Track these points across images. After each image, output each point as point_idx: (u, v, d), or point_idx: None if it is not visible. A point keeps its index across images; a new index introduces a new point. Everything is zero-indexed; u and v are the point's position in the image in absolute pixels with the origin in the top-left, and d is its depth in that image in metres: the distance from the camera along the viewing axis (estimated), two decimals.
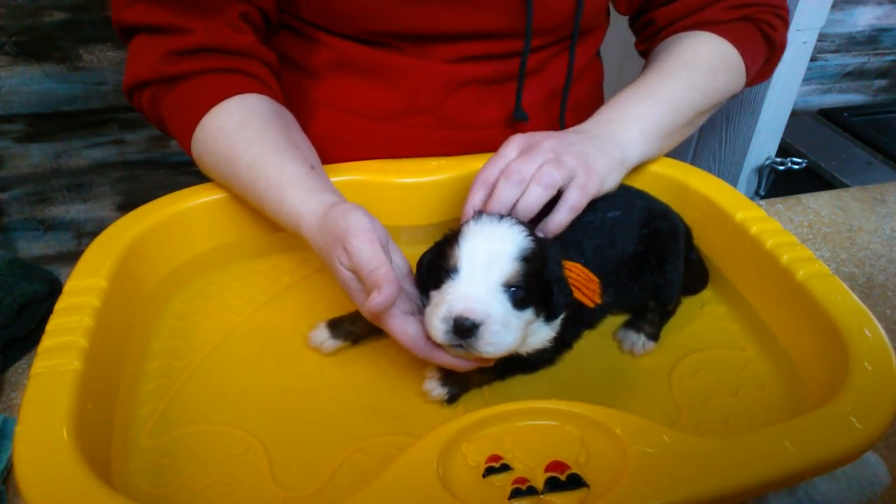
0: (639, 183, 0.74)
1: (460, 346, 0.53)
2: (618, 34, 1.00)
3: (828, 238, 0.94)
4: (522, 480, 0.47)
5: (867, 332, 0.57)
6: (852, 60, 2.28)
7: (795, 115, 2.19)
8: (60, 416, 0.47)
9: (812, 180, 1.96)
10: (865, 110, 2.28)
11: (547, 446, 0.50)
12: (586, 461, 0.49)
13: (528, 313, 0.56)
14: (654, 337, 0.67)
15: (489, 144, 0.82)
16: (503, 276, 0.54)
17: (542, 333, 0.59)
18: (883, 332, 0.57)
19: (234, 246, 0.75)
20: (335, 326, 0.65)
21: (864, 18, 2.18)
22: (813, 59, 2.18)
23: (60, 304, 0.56)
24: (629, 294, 0.67)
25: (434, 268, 0.57)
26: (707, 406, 0.61)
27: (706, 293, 0.75)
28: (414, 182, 0.76)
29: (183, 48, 0.68)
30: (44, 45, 1.50)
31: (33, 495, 0.43)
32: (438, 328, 0.53)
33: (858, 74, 2.32)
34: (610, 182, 0.68)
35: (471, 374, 0.61)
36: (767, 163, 1.60)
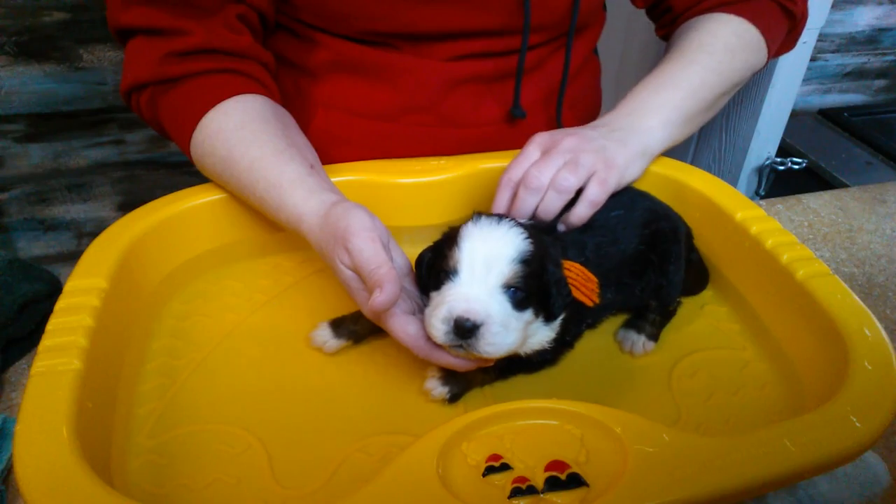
0: (639, 183, 0.74)
1: (460, 346, 0.53)
2: (617, 32, 1.00)
3: (828, 238, 0.94)
4: (522, 479, 0.47)
5: (867, 332, 0.57)
6: (852, 60, 2.28)
7: (795, 115, 2.19)
8: (60, 416, 0.47)
9: (812, 180, 1.96)
10: (865, 110, 2.28)
11: (547, 445, 0.50)
12: (586, 460, 0.49)
13: (528, 314, 0.56)
14: (655, 337, 0.67)
15: (488, 142, 0.82)
16: (502, 278, 0.54)
17: (542, 334, 0.59)
18: (883, 332, 0.57)
19: (235, 246, 0.75)
20: (337, 326, 0.65)
21: (864, 18, 2.18)
22: (813, 59, 2.19)
23: (60, 304, 0.56)
24: (631, 293, 0.67)
25: (434, 269, 0.57)
26: (707, 406, 0.61)
27: (706, 293, 0.75)
28: (415, 182, 0.76)
29: (180, 50, 0.68)
30: (44, 45, 1.50)
31: (33, 495, 0.43)
32: (439, 329, 0.53)
33: (858, 74, 2.32)
34: (632, 173, 0.70)
35: (472, 374, 0.61)
36: (767, 163, 1.60)
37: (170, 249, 0.69)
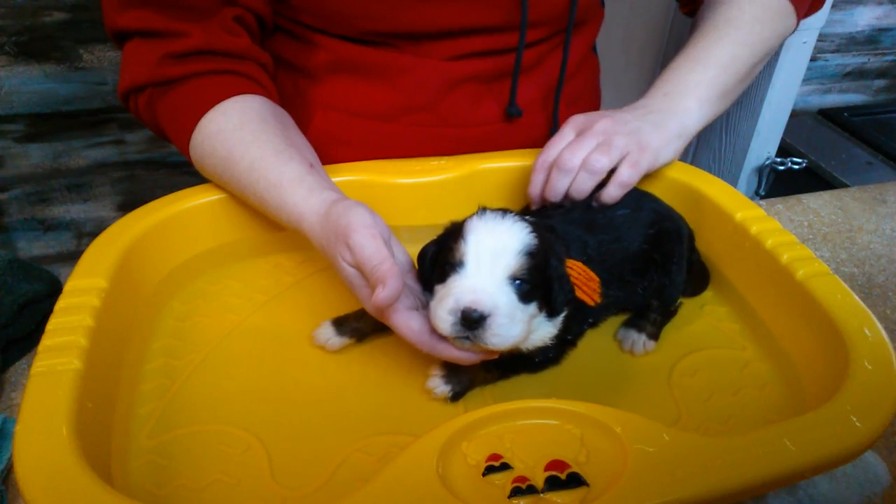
0: (638, 183, 0.74)
1: (466, 338, 0.53)
2: (616, 31, 1.00)
3: (828, 238, 0.94)
4: (522, 479, 0.47)
5: (867, 332, 0.57)
6: (852, 60, 2.28)
7: (795, 115, 2.19)
8: (60, 416, 0.47)
9: (812, 180, 1.96)
10: (865, 110, 2.28)
11: (547, 445, 0.50)
12: (586, 460, 0.49)
13: (532, 307, 0.56)
14: (655, 337, 0.67)
15: (488, 142, 0.82)
16: (509, 270, 0.54)
17: (545, 330, 0.59)
18: (883, 331, 0.57)
19: (235, 246, 0.75)
20: (340, 324, 0.65)
21: (864, 18, 2.19)
22: (813, 59, 2.19)
23: (60, 304, 0.56)
24: (633, 292, 0.67)
25: (439, 262, 0.57)
26: (707, 406, 0.61)
27: (706, 293, 0.75)
28: (414, 182, 0.76)
29: (178, 51, 0.68)
30: (44, 45, 1.50)
31: (33, 495, 0.43)
32: (445, 320, 0.53)
33: (858, 74, 2.32)
34: (666, 154, 0.72)
35: (474, 373, 0.61)
36: (767, 163, 1.60)
37: (170, 249, 0.69)
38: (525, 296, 0.54)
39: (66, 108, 1.59)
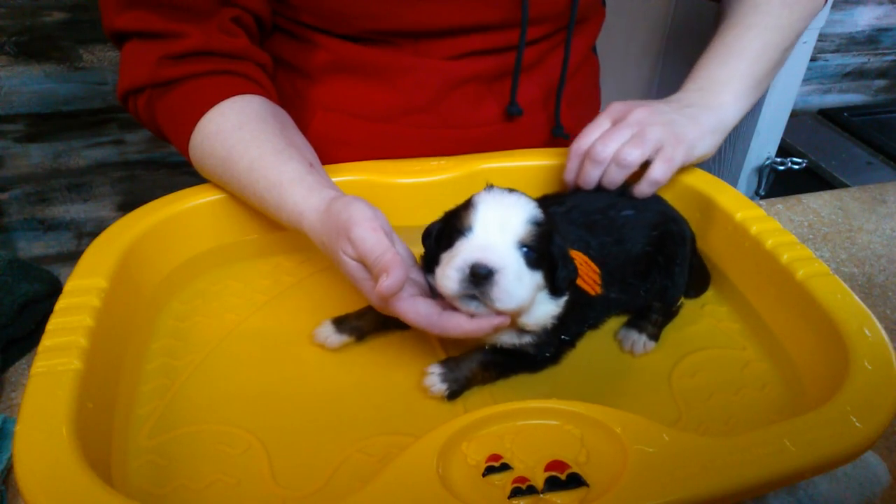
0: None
1: (474, 297, 0.53)
2: (617, 31, 1.00)
3: (828, 238, 0.94)
4: (522, 479, 0.47)
5: (867, 332, 0.57)
6: (852, 60, 2.28)
7: (795, 115, 2.19)
8: (60, 416, 0.47)
9: (812, 180, 1.96)
10: (865, 110, 2.28)
11: (547, 445, 0.50)
12: (586, 460, 0.49)
13: (539, 277, 0.56)
14: (655, 337, 0.67)
15: (488, 142, 0.82)
16: (517, 235, 0.54)
17: (547, 307, 0.59)
18: (883, 332, 0.57)
19: (235, 246, 0.75)
20: (340, 323, 0.65)
21: (864, 18, 2.19)
22: (813, 59, 2.19)
23: (60, 304, 0.56)
24: (635, 294, 0.67)
25: (446, 233, 0.58)
26: (707, 406, 0.61)
27: (707, 293, 0.75)
28: (414, 182, 0.76)
29: (176, 52, 0.68)
30: (44, 45, 1.50)
31: (33, 495, 0.43)
32: (452, 277, 0.53)
33: (858, 74, 2.32)
34: (701, 149, 0.72)
35: (472, 373, 0.61)
36: (767, 163, 1.60)
37: (170, 249, 0.69)
38: (532, 263, 0.55)
39: (66, 108, 1.59)
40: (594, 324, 0.68)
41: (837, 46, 2.22)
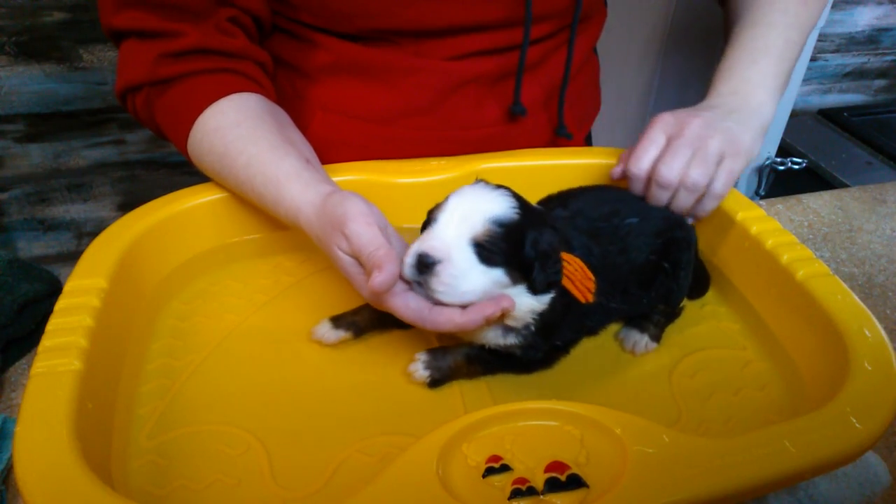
0: None
1: (420, 284, 0.55)
2: (617, 32, 1.00)
3: (828, 238, 0.94)
4: (522, 481, 0.47)
5: (867, 332, 0.57)
6: (852, 60, 2.28)
7: (795, 115, 2.19)
8: (60, 417, 0.47)
9: (812, 180, 1.96)
10: (865, 110, 2.28)
11: (547, 446, 0.50)
12: (586, 461, 0.49)
13: (498, 274, 0.55)
14: (657, 338, 0.67)
15: (489, 144, 0.82)
16: (472, 232, 0.55)
17: (525, 303, 0.58)
18: (883, 332, 0.57)
19: (235, 246, 0.75)
20: (337, 320, 0.66)
21: (864, 18, 2.19)
22: (813, 59, 2.19)
23: (60, 304, 0.56)
24: (637, 303, 0.66)
25: (426, 222, 0.59)
26: (707, 406, 0.61)
27: (707, 293, 0.75)
28: (414, 182, 0.76)
29: (174, 50, 0.68)
30: (44, 45, 1.50)
31: (33, 495, 0.43)
32: (407, 264, 0.55)
33: (858, 74, 2.32)
34: (755, 153, 0.71)
35: (456, 364, 0.61)
36: (767, 163, 1.60)
37: (170, 249, 0.69)
38: (487, 259, 0.55)
39: (66, 108, 1.59)
40: (594, 329, 0.68)
41: (837, 46, 2.23)
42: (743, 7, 0.81)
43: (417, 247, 0.55)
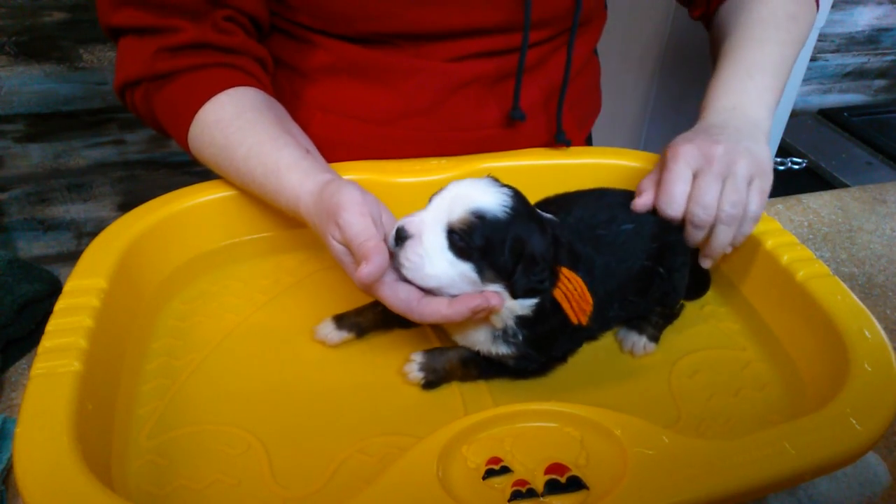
0: (637, 183, 0.74)
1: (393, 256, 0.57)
2: (617, 32, 1.00)
3: (828, 238, 0.94)
4: (522, 483, 0.47)
5: (867, 333, 0.57)
6: (852, 60, 2.28)
7: (795, 115, 2.19)
8: (60, 418, 0.47)
9: (812, 180, 1.96)
10: (865, 110, 2.28)
11: (547, 448, 0.50)
12: (586, 463, 0.49)
13: (467, 268, 0.55)
14: (655, 339, 0.67)
15: (489, 145, 0.82)
16: (451, 219, 0.55)
17: (508, 303, 0.57)
18: (883, 332, 0.57)
19: (235, 245, 0.75)
20: (340, 320, 0.66)
21: (864, 18, 2.19)
22: (813, 59, 2.19)
23: (60, 305, 0.56)
24: (635, 308, 0.66)
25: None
26: (707, 406, 0.61)
27: (706, 294, 0.75)
28: (415, 182, 0.76)
29: (172, 45, 0.68)
30: (44, 45, 1.50)
31: (33, 495, 0.43)
32: (391, 235, 0.57)
33: (858, 74, 2.32)
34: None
35: (451, 366, 0.61)
36: None
37: (170, 249, 0.69)
38: (460, 252, 0.54)
39: (66, 108, 1.59)
40: (593, 335, 0.67)
41: (837, 46, 2.22)
42: (733, 24, 0.80)
43: (399, 221, 0.57)
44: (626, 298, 0.65)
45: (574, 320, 0.57)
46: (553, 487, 0.47)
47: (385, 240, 0.57)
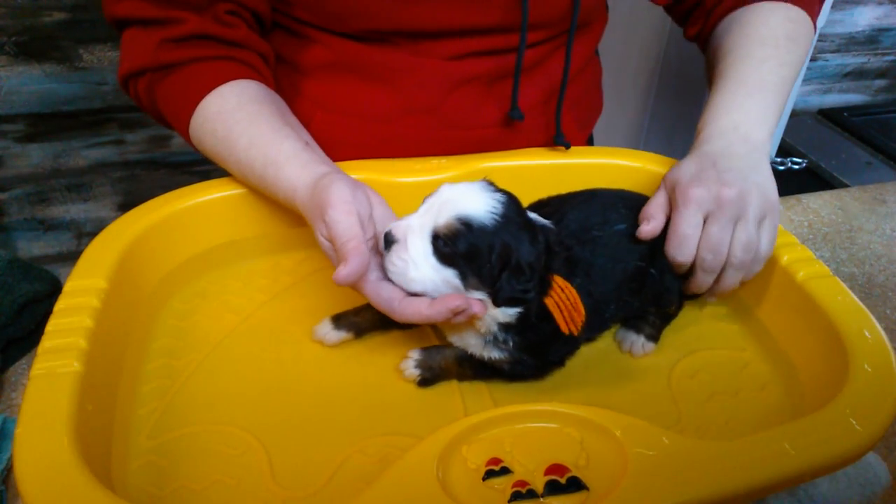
0: (637, 183, 0.74)
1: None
2: (617, 32, 1.00)
3: (828, 238, 0.94)
4: (522, 483, 0.47)
5: (867, 333, 0.57)
6: (852, 60, 2.28)
7: (795, 115, 2.19)
8: (60, 418, 0.47)
9: (812, 180, 1.96)
10: (865, 110, 2.28)
11: (547, 449, 0.50)
12: (586, 464, 0.49)
13: (450, 274, 0.55)
14: (654, 338, 0.67)
15: (488, 144, 0.82)
16: (435, 224, 0.55)
17: (491, 310, 0.57)
18: (883, 332, 0.57)
19: (235, 245, 0.75)
20: (338, 320, 0.66)
21: (864, 18, 2.18)
22: (813, 59, 2.19)
23: (60, 305, 0.56)
24: (629, 308, 0.66)
25: None
26: (707, 407, 0.61)
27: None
28: (415, 181, 0.76)
29: (177, 36, 0.69)
30: (44, 45, 1.50)
31: (33, 496, 0.43)
32: (382, 239, 0.57)
33: (858, 74, 2.32)
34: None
35: (447, 365, 0.62)
36: None
37: (169, 249, 0.69)
38: (443, 258, 0.54)
39: (66, 108, 1.59)
40: (591, 338, 0.67)
41: (837, 46, 2.22)
42: (732, 43, 0.78)
43: (392, 223, 0.57)
44: (622, 299, 0.65)
45: (566, 330, 0.56)
46: (553, 488, 0.47)
47: (374, 239, 0.58)
